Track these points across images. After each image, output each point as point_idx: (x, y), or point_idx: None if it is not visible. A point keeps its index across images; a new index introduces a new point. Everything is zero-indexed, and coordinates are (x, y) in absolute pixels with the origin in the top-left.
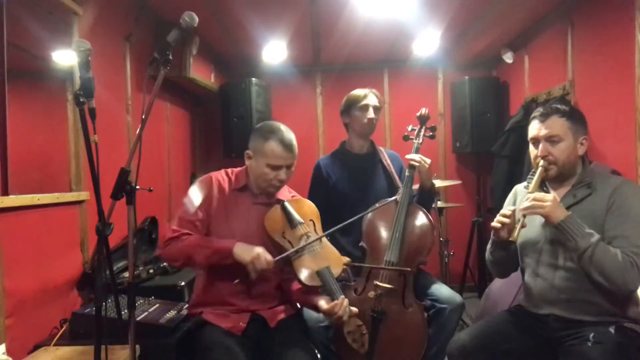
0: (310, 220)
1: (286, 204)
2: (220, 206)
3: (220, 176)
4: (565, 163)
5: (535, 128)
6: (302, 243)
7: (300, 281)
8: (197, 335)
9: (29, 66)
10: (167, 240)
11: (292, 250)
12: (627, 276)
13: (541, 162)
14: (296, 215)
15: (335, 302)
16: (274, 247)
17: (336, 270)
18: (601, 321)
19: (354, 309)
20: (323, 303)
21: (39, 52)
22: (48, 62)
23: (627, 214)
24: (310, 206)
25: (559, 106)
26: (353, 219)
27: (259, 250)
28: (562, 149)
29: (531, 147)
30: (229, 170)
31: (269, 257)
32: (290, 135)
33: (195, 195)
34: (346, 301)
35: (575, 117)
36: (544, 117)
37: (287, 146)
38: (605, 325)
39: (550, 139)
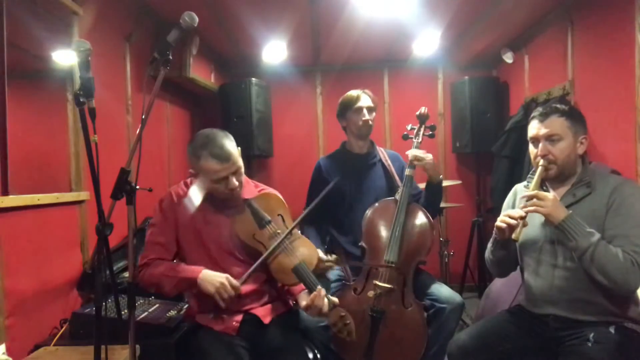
0: (278, 215)
1: (252, 203)
2: (188, 220)
3: (181, 189)
4: (565, 162)
5: (534, 128)
6: (273, 242)
7: (279, 281)
8: (192, 339)
9: (29, 66)
10: (139, 267)
11: (260, 260)
12: (628, 275)
13: (541, 162)
14: (263, 214)
15: (313, 294)
16: (246, 251)
17: (311, 263)
18: (601, 321)
19: (334, 299)
20: (303, 302)
21: (39, 52)
22: (48, 62)
23: (627, 213)
24: (277, 200)
25: (558, 106)
26: (311, 206)
27: (223, 278)
28: (561, 148)
29: (531, 147)
30: (188, 180)
31: (234, 282)
32: (222, 142)
33: (158, 217)
34: (323, 292)
35: (575, 116)
36: (543, 117)
37: (221, 158)
38: (606, 325)
39: (550, 138)
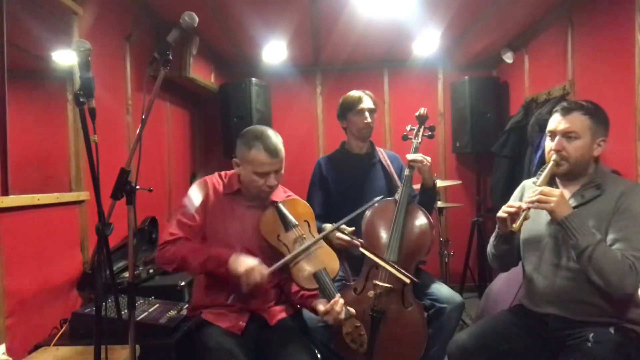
0: (305, 221)
1: (280, 205)
2: (216, 210)
3: (215, 180)
4: (577, 161)
5: (555, 121)
6: (297, 246)
7: (297, 284)
8: (196, 335)
9: (29, 66)
10: (163, 243)
11: (288, 257)
12: (624, 279)
13: (554, 156)
14: (290, 217)
15: (333, 300)
16: (268, 250)
17: (333, 271)
18: (601, 321)
19: (352, 310)
20: (320, 307)
21: (39, 52)
22: (48, 62)
23: (632, 218)
24: (304, 206)
25: (584, 103)
26: (350, 216)
27: (254, 263)
28: (577, 146)
29: (547, 140)
30: (223, 173)
31: (264, 269)
32: (274, 139)
33: (192, 198)
34: (342, 301)
35: (599, 117)
36: (566, 112)
37: (271, 152)
38: (605, 325)
39: (567, 135)
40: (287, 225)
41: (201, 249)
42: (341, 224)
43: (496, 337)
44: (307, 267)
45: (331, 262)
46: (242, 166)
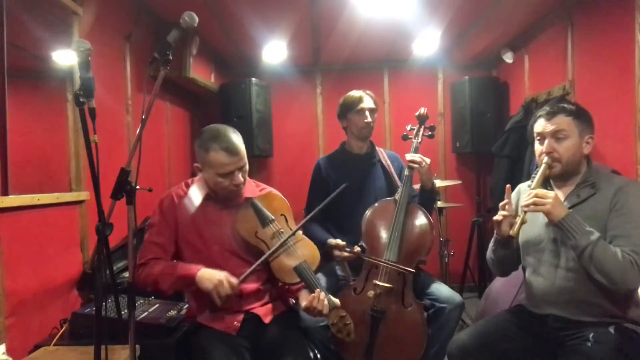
0: (281, 215)
1: (255, 201)
2: (188, 221)
3: (182, 190)
4: (569, 161)
5: (541, 125)
6: (275, 241)
7: (280, 280)
8: (192, 338)
9: (29, 66)
10: (136, 268)
11: (262, 258)
12: (626, 275)
13: (545, 159)
14: (266, 212)
15: (313, 296)
16: (248, 249)
17: (314, 263)
18: (601, 321)
19: (336, 301)
20: (303, 302)
21: (39, 52)
22: (48, 62)
23: (629, 214)
24: (280, 200)
25: (565, 105)
26: (315, 211)
27: (222, 276)
28: (567, 146)
29: (536, 145)
30: (189, 180)
31: (233, 280)
32: (232, 137)
33: (158, 217)
34: (323, 294)
35: (582, 116)
36: (550, 116)
37: (230, 151)
38: (605, 325)
39: (556, 135)
40: (263, 221)
41: (169, 271)
42: (311, 216)
43: (496, 337)
44: (287, 262)
45: (311, 254)
46: (204, 170)
